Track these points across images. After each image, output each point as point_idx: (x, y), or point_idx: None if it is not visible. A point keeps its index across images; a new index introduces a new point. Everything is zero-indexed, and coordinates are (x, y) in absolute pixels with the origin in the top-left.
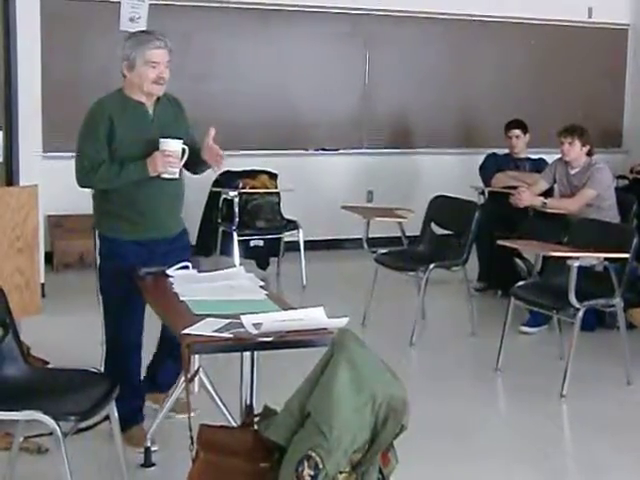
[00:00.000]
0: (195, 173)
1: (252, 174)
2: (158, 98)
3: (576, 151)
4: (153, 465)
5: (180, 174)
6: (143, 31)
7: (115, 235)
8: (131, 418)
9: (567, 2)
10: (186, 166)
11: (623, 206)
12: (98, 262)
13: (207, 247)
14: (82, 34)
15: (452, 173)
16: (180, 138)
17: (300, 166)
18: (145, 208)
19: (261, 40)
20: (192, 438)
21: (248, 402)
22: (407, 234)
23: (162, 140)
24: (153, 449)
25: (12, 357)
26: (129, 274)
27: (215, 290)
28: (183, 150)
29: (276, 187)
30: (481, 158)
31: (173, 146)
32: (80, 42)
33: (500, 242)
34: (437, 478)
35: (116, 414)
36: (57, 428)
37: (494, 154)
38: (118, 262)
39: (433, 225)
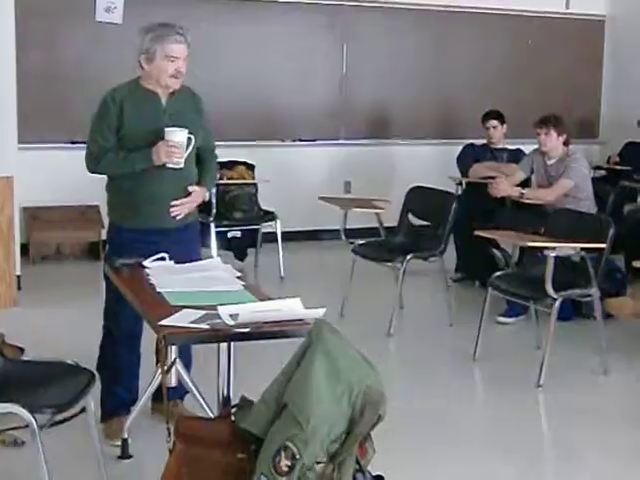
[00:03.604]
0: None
1: (229, 165)
2: (174, 90)
3: (552, 141)
4: (130, 457)
5: (192, 164)
6: (163, 24)
7: (119, 223)
8: (114, 410)
9: None
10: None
11: (600, 196)
12: (106, 249)
13: None
14: (57, 25)
15: (430, 164)
16: (187, 128)
17: (277, 157)
18: (147, 197)
19: (238, 31)
20: (169, 429)
21: (225, 393)
22: (385, 225)
23: (167, 129)
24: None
25: None
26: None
27: (192, 281)
28: (189, 140)
29: (253, 178)
30: (459, 149)
31: (177, 136)
32: (55, 33)
33: (477, 232)
34: (414, 467)
35: (92, 406)
36: (33, 421)
37: (471, 145)
38: (120, 250)
39: (410, 216)
